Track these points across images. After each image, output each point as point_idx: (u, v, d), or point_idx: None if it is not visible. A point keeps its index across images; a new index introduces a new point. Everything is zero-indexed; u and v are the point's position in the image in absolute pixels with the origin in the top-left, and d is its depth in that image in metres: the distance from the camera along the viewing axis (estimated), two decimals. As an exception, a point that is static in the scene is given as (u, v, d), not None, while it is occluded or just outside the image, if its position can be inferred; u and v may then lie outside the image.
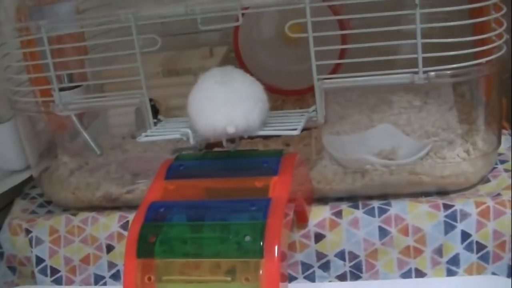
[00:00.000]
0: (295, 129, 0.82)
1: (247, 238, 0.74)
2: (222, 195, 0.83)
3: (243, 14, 0.86)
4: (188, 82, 1.12)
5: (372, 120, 1.02)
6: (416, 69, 0.83)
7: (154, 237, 0.76)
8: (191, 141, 0.84)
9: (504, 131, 1.05)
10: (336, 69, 1.01)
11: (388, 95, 1.05)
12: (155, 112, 1.05)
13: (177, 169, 0.85)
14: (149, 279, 0.76)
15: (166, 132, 0.88)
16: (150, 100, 0.94)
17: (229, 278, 0.74)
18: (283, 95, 1.14)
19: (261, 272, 0.72)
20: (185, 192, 0.83)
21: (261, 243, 0.73)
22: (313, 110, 0.88)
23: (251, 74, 1.11)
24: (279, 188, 0.79)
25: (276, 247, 0.72)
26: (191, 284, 0.76)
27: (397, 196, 0.93)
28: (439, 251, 0.88)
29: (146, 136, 0.88)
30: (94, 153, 1.06)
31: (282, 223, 0.74)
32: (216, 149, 0.97)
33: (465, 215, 0.87)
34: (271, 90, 1.13)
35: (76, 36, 0.99)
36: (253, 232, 0.74)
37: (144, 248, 0.76)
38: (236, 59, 1.12)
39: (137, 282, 0.76)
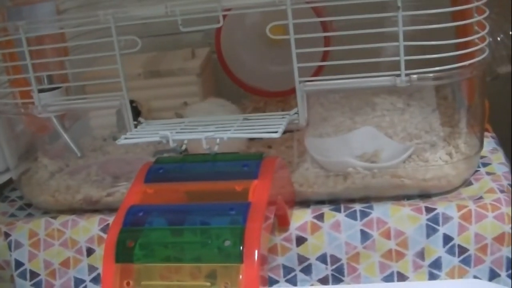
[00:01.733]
0: (276, 132, 0.82)
1: (227, 243, 0.73)
2: (202, 199, 0.82)
3: (224, 16, 0.85)
4: (170, 84, 1.12)
5: (355, 122, 1.02)
6: (398, 72, 0.83)
7: (133, 242, 0.76)
8: (171, 144, 0.83)
9: (486, 133, 1.05)
10: (318, 71, 1.00)
11: (372, 97, 1.05)
12: (137, 113, 1.04)
13: (156, 172, 0.84)
14: (128, 284, 0.75)
15: (146, 135, 0.87)
16: (132, 101, 0.93)
17: (208, 284, 0.73)
18: (266, 96, 1.14)
19: (240, 277, 0.72)
20: (165, 196, 0.82)
21: (241, 248, 0.72)
22: (295, 113, 0.87)
23: (233, 75, 1.12)
24: (259, 192, 0.78)
25: (256, 252, 0.72)
26: (171, 289, 0.75)
27: (379, 199, 0.92)
28: (421, 255, 0.88)
29: (126, 138, 0.87)
30: (74, 155, 1.05)
31: (262, 227, 0.74)
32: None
33: (447, 219, 0.87)
34: (253, 91, 1.14)
35: (56, 37, 0.98)
36: (232, 236, 0.73)
37: (123, 253, 0.76)
38: (218, 60, 1.11)
39: (116, 287, 0.75)
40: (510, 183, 0.93)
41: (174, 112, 1.02)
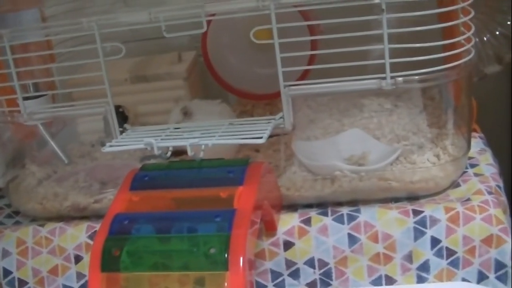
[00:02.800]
0: (261, 138, 0.81)
1: (212, 251, 0.73)
2: (187, 206, 0.82)
3: (209, 20, 0.85)
4: (157, 88, 1.12)
5: (342, 124, 1.02)
6: (383, 75, 0.82)
7: (119, 250, 0.76)
8: (155, 151, 0.83)
9: (474, 134, 1.05)
10: (305, 73, 1.00)
11: (359, 98, 1.04)
12: (124, 118, 1.04)
13: (141, 180, 0.84)
14: (114, 293, 0.75)
15: (131, 142, 0.87)
16: (119, 106, 0.92)
17: (195, 291, 0.73)
18: (253, 99, 1.13)
19: (226, 284, 0.72)
20: (150, 204, 0.82)
21: (226, 255, 0.72)
22: (280, 117, 0.87)
23: (220, 78, 1.12)
24: (244, 199, 0.78)
25: (241, 259, 0.72)
26: (157, 297, 0.75)
27: (367, 202, 0.92)
28: (409, 258, 0.88)
29: (111, 146, 0.87)
30: (62, 162, 1.05)
31: (248, 234, 0.74)
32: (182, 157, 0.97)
33: (434, 221, 0.87)
34: (240, 94, 1.14)
35: (42, 45, 0.98)
36: (218, 244, 0.73)
37: (109, 262, 0.75)
38: (205, 63, 1.11)
39: (102, 296, 0.75)
40: (498, 184, 0.93)
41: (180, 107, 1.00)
